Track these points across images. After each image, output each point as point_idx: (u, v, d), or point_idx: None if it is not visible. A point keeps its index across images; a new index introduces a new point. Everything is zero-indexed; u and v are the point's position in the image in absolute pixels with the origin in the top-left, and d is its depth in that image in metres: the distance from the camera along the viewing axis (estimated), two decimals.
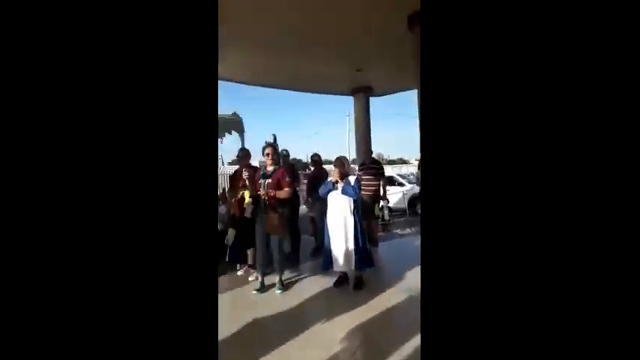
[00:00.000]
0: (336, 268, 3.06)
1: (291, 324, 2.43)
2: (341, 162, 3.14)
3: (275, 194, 2.94)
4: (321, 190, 3.14)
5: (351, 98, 6.84)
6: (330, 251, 3.07)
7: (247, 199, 3.07)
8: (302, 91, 6.88)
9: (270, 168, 3.07)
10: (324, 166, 4.52)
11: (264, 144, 3.18)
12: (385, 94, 7.13)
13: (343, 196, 3.01)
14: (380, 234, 4.85)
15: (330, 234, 3.06)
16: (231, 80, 5.28)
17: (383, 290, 3.01)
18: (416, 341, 2.05)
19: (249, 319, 2.49)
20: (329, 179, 3.18)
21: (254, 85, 5.94)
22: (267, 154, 3.07)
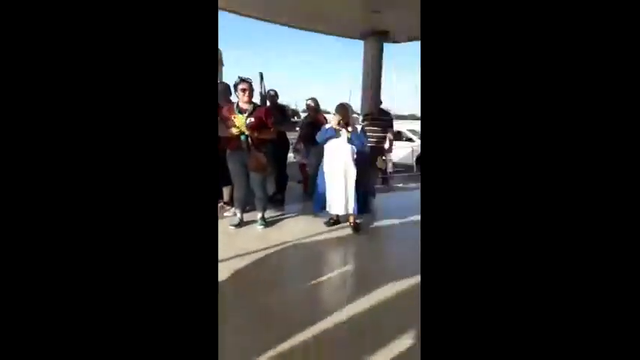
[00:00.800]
0: (330, 211, 2.96)
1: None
2: (345, 108, 2.86)
3: (258, 134, 2.76)
4: (319, 136, 2.94)
5: (359, 42, 5.82)
6: (324, 195, 2.94)
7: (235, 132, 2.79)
8: (303, 29, 5.81)
9: (245, 106, 2.90)
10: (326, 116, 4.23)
11: (237, 79, 2.93)
12: (403, 41, 6.06)
13: (346, 144, 2.82)
14: (379, 186, 4.66)
15: (327, 180, 2.91)
16: (237, 12, 4.59)
17: (378, 235, 3.04)
18: (413, 280, 2.03)
19: (229, 249, 2.41)
20: (327, 125, 2.95)
21: (252, 17, 5.09)
22: (243, 90, 2.88)
